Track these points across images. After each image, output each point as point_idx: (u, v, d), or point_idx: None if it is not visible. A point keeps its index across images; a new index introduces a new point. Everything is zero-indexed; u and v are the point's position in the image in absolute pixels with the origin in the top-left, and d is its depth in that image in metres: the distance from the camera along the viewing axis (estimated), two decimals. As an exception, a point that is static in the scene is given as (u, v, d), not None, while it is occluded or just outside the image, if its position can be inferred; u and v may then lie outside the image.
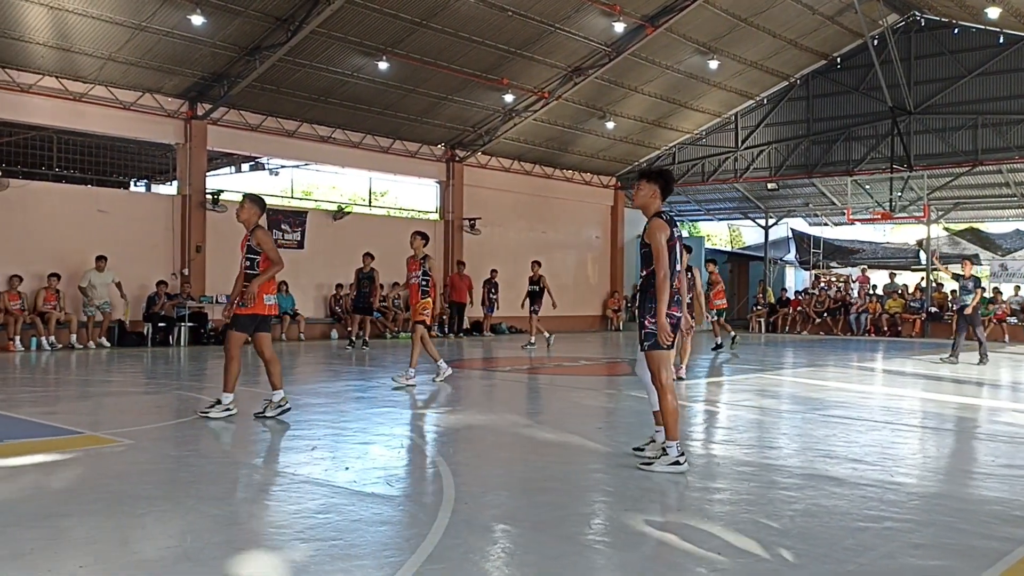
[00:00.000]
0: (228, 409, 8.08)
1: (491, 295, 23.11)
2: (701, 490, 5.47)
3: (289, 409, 8.14)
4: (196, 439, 7.10)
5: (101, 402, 9.84)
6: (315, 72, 19.79)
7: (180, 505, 4.81)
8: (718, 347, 17.93)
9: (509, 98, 23.03)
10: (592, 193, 29.80)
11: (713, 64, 23.84)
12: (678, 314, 6.04)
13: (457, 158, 25.33)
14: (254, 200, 8.39)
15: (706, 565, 3.91)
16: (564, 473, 5.89)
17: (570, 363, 15.44)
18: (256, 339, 8.19)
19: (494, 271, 23.38)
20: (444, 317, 23.31)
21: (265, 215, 8.51)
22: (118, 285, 17.83)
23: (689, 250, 6.97)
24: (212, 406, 8.16)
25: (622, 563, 3.97)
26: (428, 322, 11.35)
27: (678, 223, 6.10)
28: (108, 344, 17.61)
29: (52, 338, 16.79)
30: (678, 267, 6.01)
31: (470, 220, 25.48)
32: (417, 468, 6.01)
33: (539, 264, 19.67)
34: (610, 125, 26.06)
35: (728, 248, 40.93)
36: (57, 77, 17.49)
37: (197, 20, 16.59)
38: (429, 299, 11.26)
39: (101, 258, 17.56)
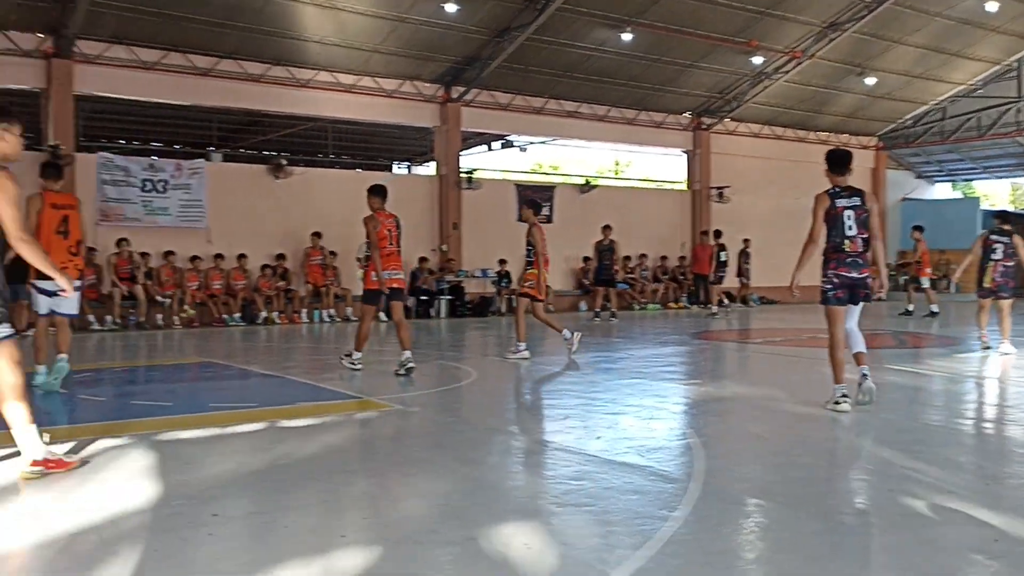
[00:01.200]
0: (354, 365, 9.39)
1: (744, 264, 22.46)
2: (979, 473, 5.06)
3: (413, 368, 8.99)
4: (459, 406, 7.56)
5: (373, 370, 10.69)
6: (561, 49, 20.09)
7: (445, 468, 5.16)
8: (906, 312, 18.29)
9: (758, 61, 22.15)
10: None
11: (991, 6, 21.46)
12: (850, 275, 6.84)
13: (704, 126, 24.78)
14: (373, 191, 9.74)
15: (983, 552, 3.63)
16: (820, 448, 5.68)
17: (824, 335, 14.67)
18: (390, 307, 9.66)
19: (746, 240, 22.67)
20: (691, 289, 22.96)
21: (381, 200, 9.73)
22: None
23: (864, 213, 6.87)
24: (346, 356, 9.54)
25: (885, 546, 3.79)
26: (534, 294, 10.80)
27: (845, 195, 6.88)
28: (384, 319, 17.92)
29: (332, 311, 18.38)
30: (849, 232, 6.77)
31: (718, 189, 24.87)
32: (667, 439, 6.03)
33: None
34: (870, 81, 24.33)
35: (1011, 208, 36.95)
36: (330, 71, 19.02)
37: (451, 8, 17.39)
38: (533, 271, 10.81)
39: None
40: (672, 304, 22.57)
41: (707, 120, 24.75)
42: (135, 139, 23.03)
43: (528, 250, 10.91)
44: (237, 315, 17.41)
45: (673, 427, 6.59)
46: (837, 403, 6.76)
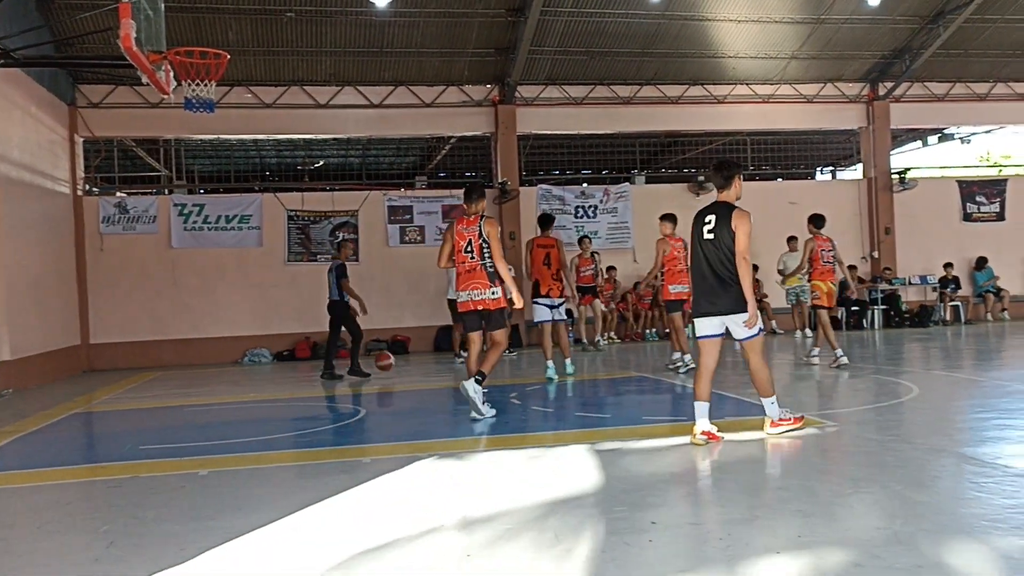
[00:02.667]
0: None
1: None
2: None
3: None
4: (898, 424, 7.08)
5: (804, 385, 10.40)
6: (1008, 25, 17.92)
7: (886, 488, 4.88)
8: None
9: None
10: None
11: None
12: None
13: None
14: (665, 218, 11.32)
15: None
16: None
17: None
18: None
19: None
20: None
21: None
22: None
23: None
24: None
25: None
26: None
27: None
28: (810, 332, 16.71)
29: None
30: None
31: None
32: None
33: None
34: None
35: None
36: (747, 84, 18.96)
37: (874, 1, 16.36)
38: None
39: (792, 239, 17.50)
40: None
41: None
42: (568, 169, 24.97)
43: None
44: (654, 330, 18.14)
45: None
46: None
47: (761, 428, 6.62)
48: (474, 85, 18.21)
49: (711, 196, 6.92)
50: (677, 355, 11.59)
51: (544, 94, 18.42)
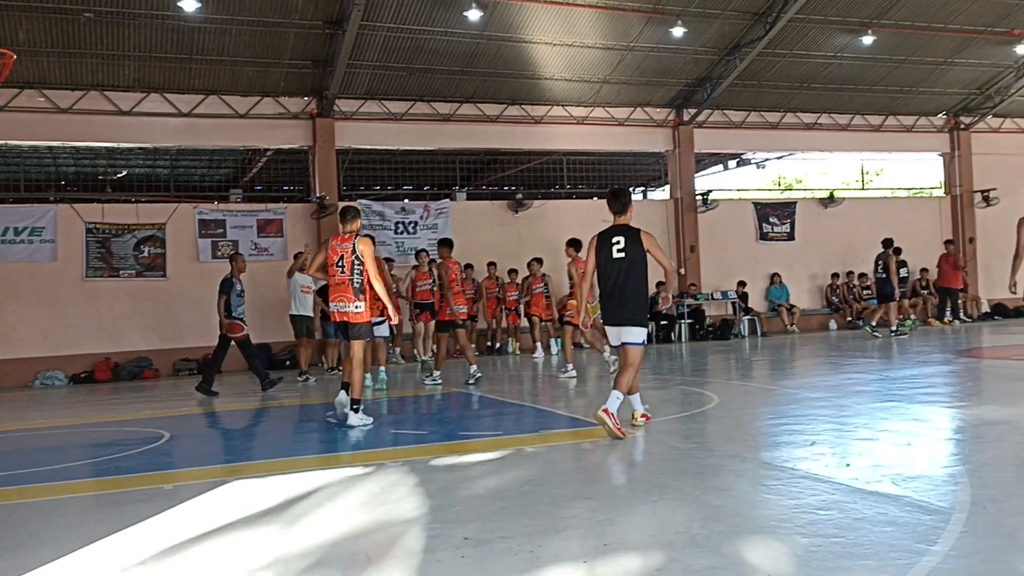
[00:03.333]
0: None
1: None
2: None
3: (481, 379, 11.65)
4: (700, 432, 7.46)
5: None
6: (796, 60, 19.44)
7: (686, 494, 5.13)
8: None
9: (1022, 50, 20.14)
10: None
11: None
12: None
13: (962, 126, 22.91)
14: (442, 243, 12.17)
15: None
16: (1113, 480, 5.06)
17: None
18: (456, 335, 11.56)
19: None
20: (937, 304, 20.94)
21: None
22: None
23: None
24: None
25: None
26: (574, 322, 12.27)
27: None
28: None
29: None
30: None
31: (983, 192, 22.75)
32: (927, 467, 5.62)
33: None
34: None
35: None
36: (563, 106, 19.59)
37: (678, 31, 17.33)
38: (572, 300, 12.52)
39: None
40: (934, 320, 20.78)
41: (965, 119, 22.87)
42: (388, 185, 24.82)
43: (570, 283, 12.73)
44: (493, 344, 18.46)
45: (934, 454, 6.12)
46: None
47: (569, 439, 6.79)
48: (291, 97, 17.80)
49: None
50: (474, 368, 12.25)
51: (364, 108, 18.26)
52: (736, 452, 6.42)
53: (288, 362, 16.98)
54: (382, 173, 23.22)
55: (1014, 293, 7.35)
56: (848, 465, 5.67)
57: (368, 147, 19.08)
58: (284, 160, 20.54)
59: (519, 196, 19.62)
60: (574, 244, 12.33)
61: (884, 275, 17.72)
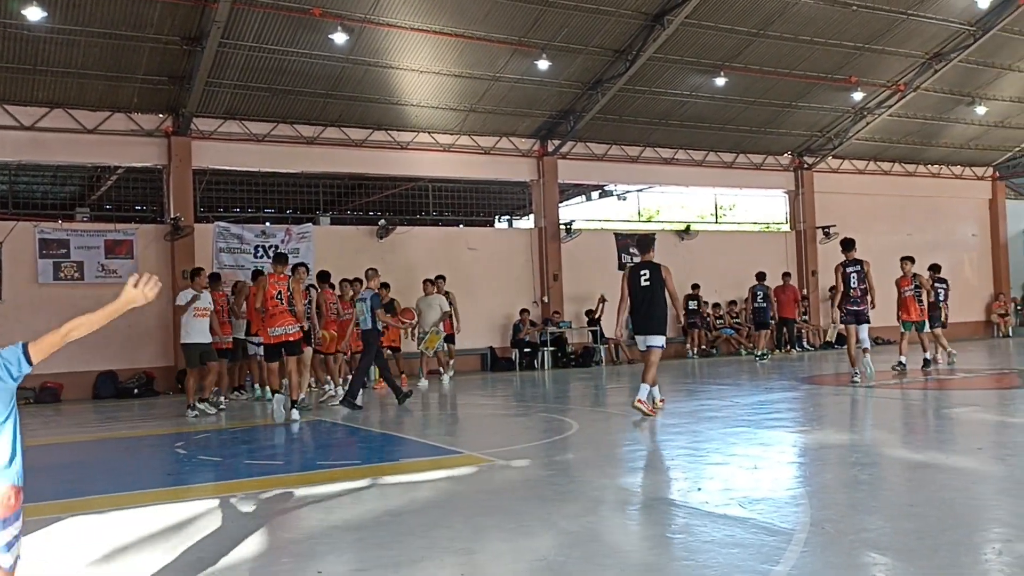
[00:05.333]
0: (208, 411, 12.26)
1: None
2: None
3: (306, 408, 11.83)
4: (560, 459, 7.55)
5: (478, 424, 10.80)
6: (655, 97, 20.18)
7: (545, 521, 5.16)
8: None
9: (859, 96, 21.67)
10: (965, 187, 27.07)
11: (1108, 25, 20.52)
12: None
13: (806, 165, 24.35)
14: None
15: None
16: (936, 498, 5.43)
17: (947, 376, 14.06)
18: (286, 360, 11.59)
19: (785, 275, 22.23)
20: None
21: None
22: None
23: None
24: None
25: (1004, 601, 3.59)
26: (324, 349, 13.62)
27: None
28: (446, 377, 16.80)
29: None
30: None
31: (824, 228, 24.22)
32: (772, 490, 5.88)
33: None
34: (981, 111, 23.41)
35: None
36: (429, 133, 19.61)
37: (543, 64, 17.69)
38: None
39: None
40: (779, 349, 21.87)
41: (809, 159, 24.32)
42: (249, 207, 24.14)
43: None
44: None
45: (778, 477, 6.41)
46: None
47: (429, 468, 6.75)
48: (144, 113, 17.06)
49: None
50: (328, 387, 12.98)
51: (223, 128, 17.71)
52: (594, 479, 6.52)
53: (136, 390, 16.15)
54: (242, 195, 22.59)
55: (834, 324, 11.42)
56: (700, 489, 5.86)
57: (227, 168, 18.49)
58: (136, 179, 19.66)
59: (383, 222, 19.47)
60: (438, 279, 13.80)
61: (764, 304, 18.75)
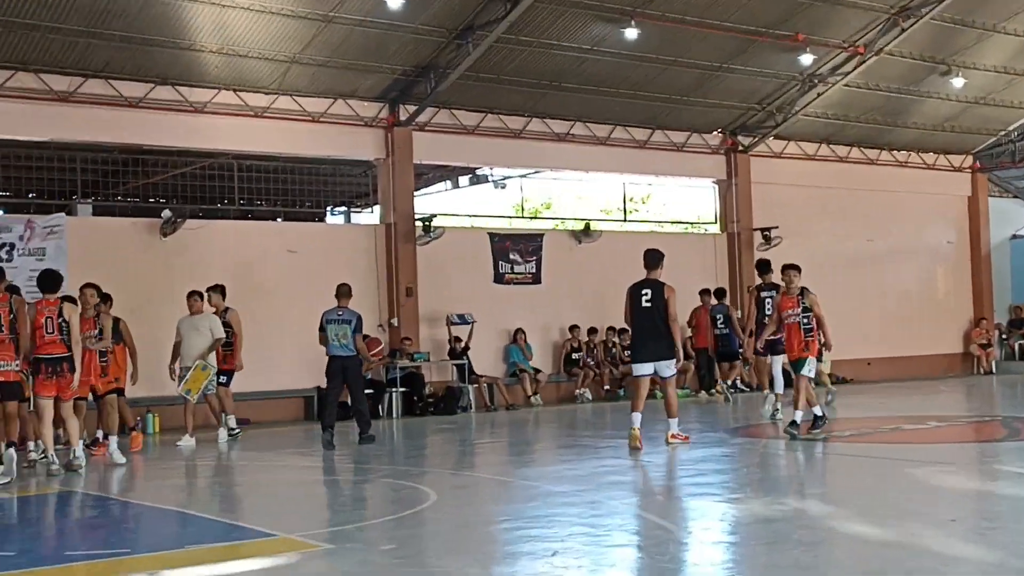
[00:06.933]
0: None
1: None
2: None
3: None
4: (409, 541, 7.51)
5: (295, 495, 10.62)
6: (544, 51, 20.45)
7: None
8: None
9: (808, 59, 22.58)
10: (939, 180, 28.55)
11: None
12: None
13: (740, 147, 25.21)
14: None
15: None
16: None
17: (914, 425, 14.76)
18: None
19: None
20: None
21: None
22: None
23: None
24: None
25: None
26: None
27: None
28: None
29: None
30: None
31: (763, 230, 24.95)
32: (692, 580, 6.03)
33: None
34: (958, 83, 24.77)
35: None
36: (235, 90, 19.27)
37: (395, 3, 17.62)
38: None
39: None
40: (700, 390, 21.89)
41: (744, 140, 25.17)
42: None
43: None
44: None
45: (699, 561, 6.57)
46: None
47: (229, 558, 6.61)
48: None
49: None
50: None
51: (-65, 75, 16.96)
52: (457, 567, 6.51)
53: None
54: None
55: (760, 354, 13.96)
56: (596, 581, 5.94)
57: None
58: None
59: (168, 213, 18.95)
60: (220, 290, 15.26)
61: (727, 330, 19.15)
